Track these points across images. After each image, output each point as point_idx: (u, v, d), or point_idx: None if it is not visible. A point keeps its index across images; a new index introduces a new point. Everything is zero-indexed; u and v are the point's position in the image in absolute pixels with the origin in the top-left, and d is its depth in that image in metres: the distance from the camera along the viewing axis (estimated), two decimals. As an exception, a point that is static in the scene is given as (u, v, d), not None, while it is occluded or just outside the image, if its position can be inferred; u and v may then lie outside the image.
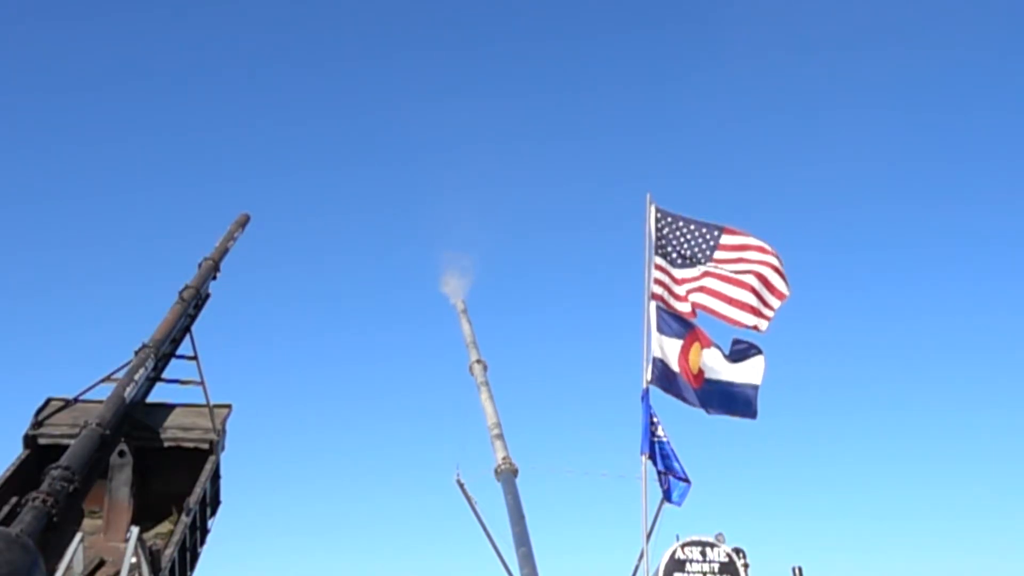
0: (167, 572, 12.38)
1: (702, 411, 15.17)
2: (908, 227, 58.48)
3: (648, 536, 14.72)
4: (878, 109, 59.30)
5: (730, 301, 15.44)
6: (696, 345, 15.32)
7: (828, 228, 59.38)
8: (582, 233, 60.07)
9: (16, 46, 57.62)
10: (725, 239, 15.68)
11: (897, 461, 49.98)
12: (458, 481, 18.38)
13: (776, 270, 15.53)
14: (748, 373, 15.25)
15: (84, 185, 59.01)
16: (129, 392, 13.25)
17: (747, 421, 15.39)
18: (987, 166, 59.56)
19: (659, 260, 15.67)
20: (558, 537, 39.42)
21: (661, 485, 14.69)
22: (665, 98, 63.74)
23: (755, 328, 15.42)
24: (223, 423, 14.68)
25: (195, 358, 15.42)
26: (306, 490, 49.20)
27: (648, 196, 16.07)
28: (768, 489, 46.37)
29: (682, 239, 15.77)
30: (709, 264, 15.57)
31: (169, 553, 12.45)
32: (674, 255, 15.74)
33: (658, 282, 15.55)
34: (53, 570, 10.33)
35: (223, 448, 14.69)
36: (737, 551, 14.53)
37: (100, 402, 13.19)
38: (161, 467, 14.05)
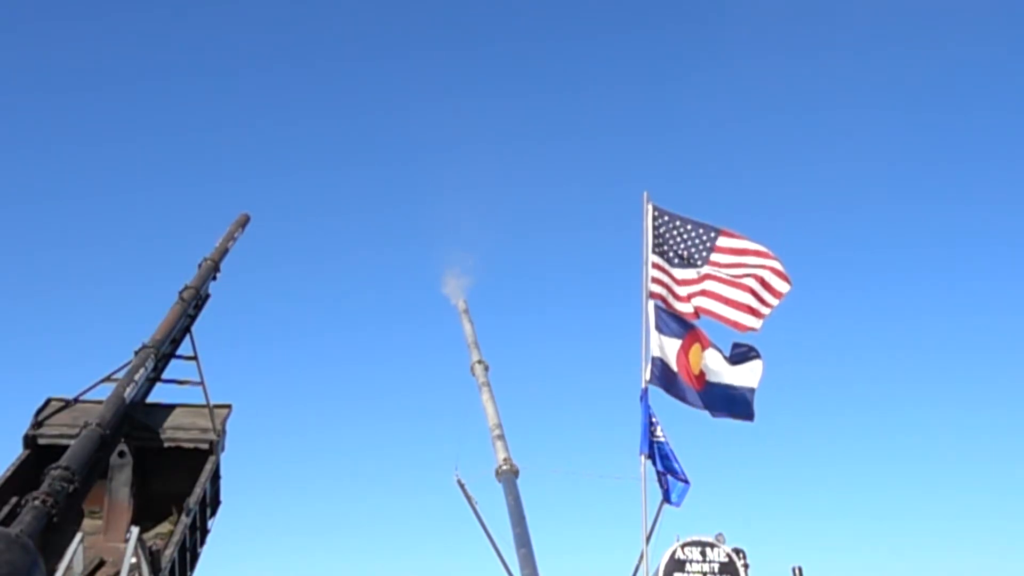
0: (167, 572, 12.38)
1: (700, 411, 15.20)
2: (908, 227, 58.50)
3: (648, 537, 14.72)
4: (878, 109, 59.33)
5: (732, 304, 15.47)
6: (696, 346, 15.33)
7: (828, 228, 59.40)
8: (582, 233, 60.10)
9: (16, 46, 57.66)
10: (722, 241, 15.68)
11: (897, 461, 50.02)
12: (458, 481, 18.40)
13: (775, 272, 15.54)
14: (747, 376, 15.29)
15: (84, 185, 59.06)
16: (129, 392, 13.25)
17: (747, 422, 15.43)
18: (987, 166, 59.59)
19: (657, 259, 15.68)
20: (559, 538, 39.47)
21: (661, 486, 14.70)
22: (665, 98, 63.77)
23: (752, 329, 15.45)
24: (223, 423, 14.68)
25: (195, 358, 15.42)
26: (306, 490, 49.27)
27: (645, 195, 16.10)
28: (768, 489, 46.39)
29: (679, 239, 15.78)
30: (707, 267, 15.59)
31: (169, 553, 12.45)
32: (671, 254, 15.76)
33: (657, 281, 15.56)
34: (53, 570, 10.32)
35: (223, 448, 14.69)
36: (737, 551, 14.54)
37: (100, 402, 13.18)
38: (161, 467, 14.04)
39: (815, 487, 47.76)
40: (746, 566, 14.41)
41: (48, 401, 14.10)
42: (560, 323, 59.48)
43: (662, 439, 14.71)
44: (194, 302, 15.92)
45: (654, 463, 14.70)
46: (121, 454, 13.13)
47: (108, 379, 13.75)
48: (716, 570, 14.31)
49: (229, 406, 15.09)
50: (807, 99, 62.00)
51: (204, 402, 14.80)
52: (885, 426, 52.29)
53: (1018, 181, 57.97)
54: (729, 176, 59.08)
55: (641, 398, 14.93)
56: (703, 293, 15.56)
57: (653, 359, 15.04)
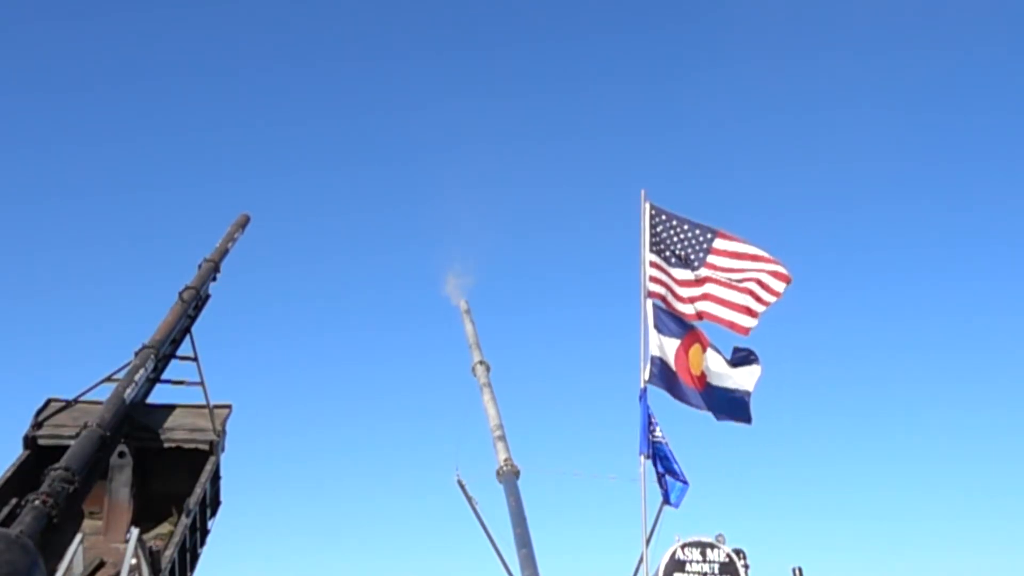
0: (167, 573, 12.38)
1: (699, 411, 15.21)
2: (908, 227, 58.47)
3: (648, 537, 14.71)
4: (878, 109, 59.30)
5: (730, 306, 15.49)
6: (697, 346, 15.34)
7: (827, 228, 59.36)
8: (582, 233, 60.08)
9: (16, 46, 57.68)
10: (719, 243, 15.67)
11: (897, 461, 50.02)
12: (459, 482, 18.39)
13: (772, 275, 15.53)
14: (745, 379, 15.32)
15: (84, 185, 58.97)
16: (129, 393, 13.26)
17: (746, 424, 15.46)
18: (987, 166, 59.58)
19: (654, 258, 15.68)
20: (559, 538, 39.49)
21: (661, 487, 14.69)
22: (665, 98, 63.70)
23: (749, 329, 15.48)
24: (223, 424, 14.68)
25: (195, 359, 15.42)
26: (306, 490, 49.31)
27: (643, 193, 16.09)
28: (768, 490, 46.40)
29: (676, 239, 15.78)
30: (703, 269, 15.59)
31: (169, 554, 12.45)
32: (667, 253, 15.76)
33: (655, 280, 15.55)
34: (53, 571, 10.33)
35: (223, 449, 14.69)
36: (737, 552, 14.54)
37: (100, 403, 13.18)
38: (161, 468, 14.05)
39: (815, 487, 47.81)
40: (746, 567, 14.41)
41: (48, 401, 14.09)
42: (559, 323, 59.52)
43: (661, 440, 14.71)
44: (194, 303, 15.92)
45: (654, 464, 14.71)
46: (121, 455, 13.13)
47: (108, 380, 13.75)
48: (716, 571, 14.31)
49: (229, 406, 15.09)
50: (806, 98, 62.03)
51: (204, 402, 14.80)
52: (885, 426, 52.33)
53: (1018, 181, 58.00)
54: (729, 176, 59.14)
55: (640, 398, 14.94)
56: (705, 297, 15.58)
57: (652, 358, 15.04)
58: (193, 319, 16.03)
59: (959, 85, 59.98)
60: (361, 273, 61.89)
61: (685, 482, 14.61)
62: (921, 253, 58.09)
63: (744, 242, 15.73)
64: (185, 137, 60.27)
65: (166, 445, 14.15)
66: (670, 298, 15.63)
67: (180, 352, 15.56)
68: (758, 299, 15.47)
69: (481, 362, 22.18)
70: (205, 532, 14.94)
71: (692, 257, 15.67)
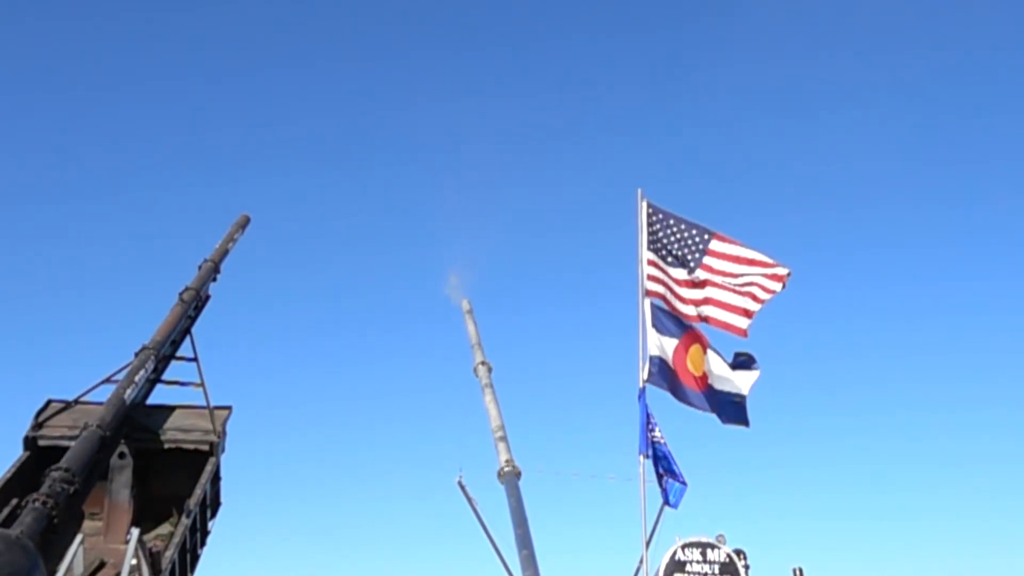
0: (167, 574, 12.40)
1: (699, 412, 15.22)
2: (908, 227, 58.43)
3: (649, 538, 14.71)
4: (878, 109, 59.30)
5: (729, 308, 15.50)
6: (696, 346, 15.34)
7: (828, 228, 59.30)
8: (582, 233, 60.00)
9: (16, 46, 57.70)
10: (715, 245, 15.66)
11: (897, 461, 49.94)
12: (459, 483, 18.37)
13: (769, 277, 15.53)
14: (743, 383, 15.34)
15: (84, 185, 58.92)
16: (129, 394, 13.26)
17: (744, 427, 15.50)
18: (987, 166, 59.52)
19: (652, 256, 15.67)
20: (560, 539, 39.46)
21: (660, 487, 14.67)
22: (666, 98, 63.65)
23: (744, 328, 15.51)
24: (223, 425, 14.70)
25: (195, 360, 15.44)
26: (306, 491, 49.23)
27: (640, 192, 16.10)
28: (768, 490, 46.34)
29: (672, 239, 15.78)
30: (700, 270, 15.58)
31: (169, 555, 12.47)
32: (664, 252, 15.77)
33: (654, 279, 15.55)
34: (53, 572, 10.36)
35: (223, 450, 14.72)
36: (738, 552, 14.55)
37: (100, 404, 13.20)
38: (161, 469, 14.07)
39: (815, 487, 47.77)
40: (747, 567, 14.42)
41: (48, 403, 14.12)
42: (558, 323, 59.45)
43: (660, 440, 14.69)
44: (194, 303, 15.93)
45: (654, 465, 14.70)
46: (121, 455, 13.15)
47: (108, 380, 13.77)
48: (717, 571, 14.33)
49: (229, 408, 15.12)
50: (806, 98, 62.00)
51: (204, 403, 14.82)
52: (885, 426, 52.29)
53: (1018, 181, 57.97)
54: (728, 176, 59.11)
55: (639, 397, 14.93)
56: (707, 301, 15.57)
57: (651, 358, 15.02)
58: (193, 320, 16.04)
59: (959, 85, 60.05)
60: (361, 273, 61.90)
61: (684, 483, 14.60)
62: (921, 253, 58.12)
63: (741, 245, 15.71)
64: (185, 137, 60.30)
65: (166, 446, 14.17)
66: (670, 297, 15.62)
67: (180, 353, 15.58)
68: (755, 299, 15.48)
69: (483, 363, 22.14)
70: (205, 533, 14.95)
71: (688, 258, 15.67)
